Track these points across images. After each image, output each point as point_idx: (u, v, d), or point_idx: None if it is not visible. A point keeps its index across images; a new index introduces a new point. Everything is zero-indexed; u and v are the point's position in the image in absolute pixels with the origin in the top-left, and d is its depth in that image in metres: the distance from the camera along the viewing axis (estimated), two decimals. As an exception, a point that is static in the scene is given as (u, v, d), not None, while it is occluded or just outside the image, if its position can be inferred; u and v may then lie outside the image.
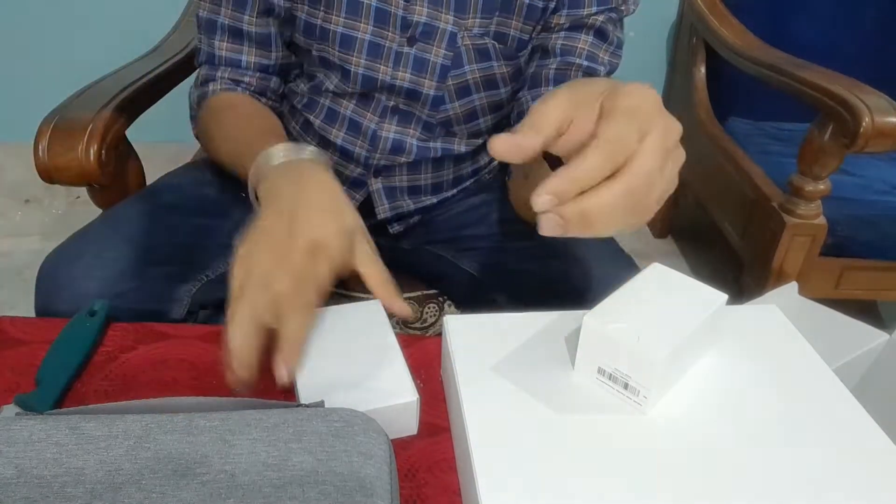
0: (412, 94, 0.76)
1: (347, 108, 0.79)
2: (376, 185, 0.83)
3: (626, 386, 0.48)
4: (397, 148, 0.80)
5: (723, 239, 1.55)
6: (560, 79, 0.76)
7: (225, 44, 0.76)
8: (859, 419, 0.49)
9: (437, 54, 0.74)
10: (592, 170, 0.37)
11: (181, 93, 0.89)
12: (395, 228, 0.87)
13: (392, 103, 0.78)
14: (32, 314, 0.67)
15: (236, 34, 0.76)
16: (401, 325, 0.90)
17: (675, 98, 1.84)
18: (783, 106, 1.55)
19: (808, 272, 1.32)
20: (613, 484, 0.43)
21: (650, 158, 0.38)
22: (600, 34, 0.76)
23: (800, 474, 0.44)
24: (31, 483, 0.40)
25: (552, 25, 0.75)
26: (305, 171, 0.56)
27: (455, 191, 0.90)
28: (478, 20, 0.72)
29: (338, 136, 0.80)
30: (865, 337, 1.01)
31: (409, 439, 0.52)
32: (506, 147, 0.40)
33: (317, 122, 0.81)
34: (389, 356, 0.53)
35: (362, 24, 0.72)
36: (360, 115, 0.79)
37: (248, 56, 0.77)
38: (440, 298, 0.90)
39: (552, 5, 0.74)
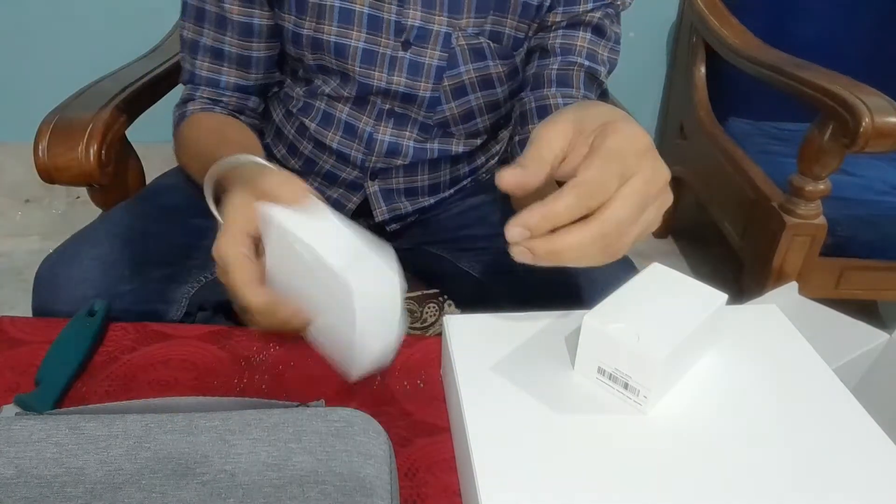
0: (408, 98, 0.76)
1: (343, 111, 0.79)
2: (373, 187, 0.83)
3: (626, 386, 0.48)
4: (393, 150, 0.80)
5: (723, 239, 1.55)
6: (562, 79, 0.76)
7: (206, 63, 0.77)
8: (859, 419, 0.49)
9: (432, 56, 0.74)
10: (565, 210, 0.39)
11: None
12: (393, 227, 0.87)
13: (388, 106, 0.78)
14: (31, 315, 0.67)
15: (217, 54, 0.76)
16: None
17: (675, 98, 1.85)
18: (783, 106, 1.55)
19: (808, 272, 1.32)
20: (613, 484, 0.43)
21: (625, 206, 0.39)
22: (598, 31, 0.76)
23: (800, 474, 0.44)
24: (31, 483, 0.40)
25: (549, 24, 0.75)
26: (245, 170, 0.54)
27: (452, 191, 0.89)
28: (472, 20, 0.72)
29: (333, 139, 0.80)
30: (865, 337, 1.01)
31: (409, 439, 0.52)
32: (515, 182, 0.41)
33: (312, 126, 0.81)
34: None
35: (355, 32, 0.72)
36: (356, 119, 0.79)
37: (228, 76, 0.77)
38: (440, 298, 0.90)
39: (547, 3, 0.74)
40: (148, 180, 0.93)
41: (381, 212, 0.85)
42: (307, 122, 0.81)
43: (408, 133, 0.80)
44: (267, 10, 0.74)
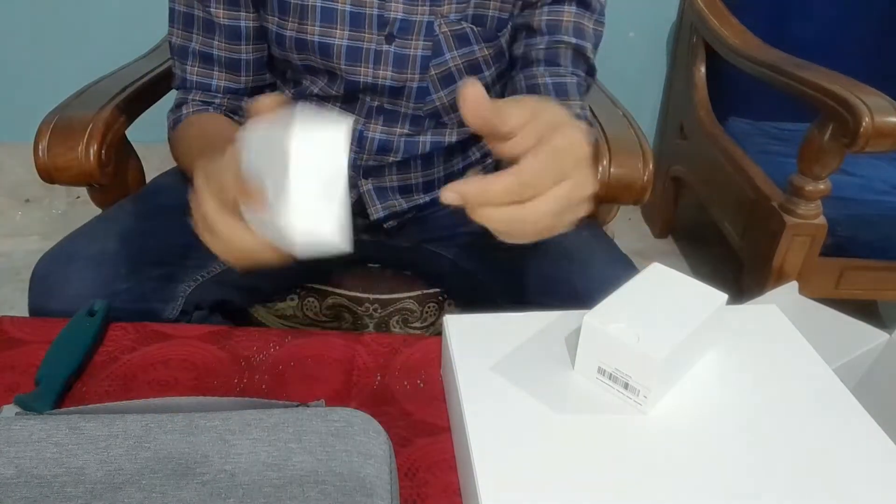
0: (396, 91, 0.76)
1: (333, 111, 0.79)
2: (367, 185, 0.83)
3: (626, 386, 0.48)
4: (384, 147, 0.80)
5: (723, 239, 1.55)
6: (550, 58, 0.76)
7: (196, 68, 0.77)
8: (859, 419, 0.49)
9: (416, 47, 0.74)
10: (501, 191, 0.42)
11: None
12: (390, 224, 0.87)
13: (376, 103, 0.78)
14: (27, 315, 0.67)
15: (206, 59, 0.76)
16: (401, 325, 0.90)
17: (675, 98, 1.85)
18: (783, 106, 1.55)
19: (808, 272, 1.32)
20: (613, 484, 0.43)
21: (550, 204, 0.43)
22: (583, 3, 0.76)
23: (800, 474, 0.44)
24: (31, 483, 0.40)
25: (534, 1, 0.75)
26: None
27: None
28: (454, 6, 0.72)
29: None
30: (865, 337, 1.01)
31: (408, 439, 0.52)
32: (474, 96, 0.43)
33: None
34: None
35: (338, 30, 0.72)
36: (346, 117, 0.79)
37: (218, 80, 0.78)
38: (440, 298, 0.90)
39: None
40: (148, 180, 0.93)
41: (375, 210, 0.85)
42: None
43: (398, 129, 0.80)
44: (252, 13, 0.74)
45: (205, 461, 0.42)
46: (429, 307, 0.89)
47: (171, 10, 0.76)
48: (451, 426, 0.53)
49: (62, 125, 0.83)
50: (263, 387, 0.57)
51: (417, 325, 0.90)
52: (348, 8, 0.71)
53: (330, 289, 0.88)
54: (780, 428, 0.48)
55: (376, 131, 0.79)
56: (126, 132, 0.91)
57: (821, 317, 1.08)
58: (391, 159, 0.81)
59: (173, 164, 0.82)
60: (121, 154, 0.90)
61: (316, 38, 0.73)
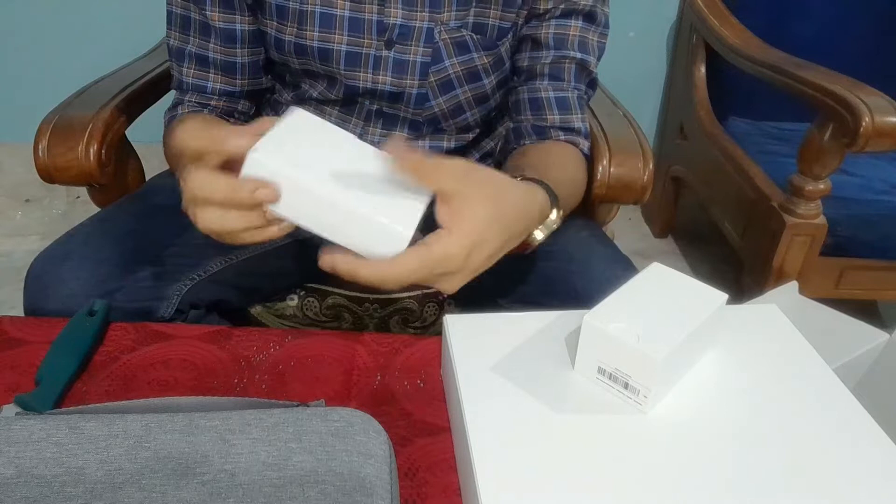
0: (395, 97, 0.76)
1: (332, 114, 0.79)
2: None
3: (626, 386, 0.48)
4: None
5: (723, 239, 1.54)
6: (554, 73, 0.77)
7: (192, 70, 0.77)
8: (859, 419, 0.49)
9: (416, 53, 0.74)
10: (364, 281, 0.49)
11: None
12: None
13: (376, 107, 0.78)
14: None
15: (202, 61, 0.76)
16: (401, 325, 0.90)
17: (675, 98, 1.84)
18: (783, 106, 1.55)
19: (808, 272, 1.31)
20: (613, 483, 0.43)
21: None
22: (590, 17, 0.76)
23: (800, 474, 0.44)
24: (31, 483, 0.40)
25: (541, 12, 0.75)
26: None
27: None
28: (453, 13, 0.72)
29: None
30: (865, 337, 1.01)
31: (408, 439, 0.52)
32: (398, 148, 0.48)
33: None
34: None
35: (337, 35, 0.72)
36: (345, 121, 0.79)
37: (214, 83, 0.78)
38: (440, 298, 0.90)
39: None
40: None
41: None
42: None
43: (397, 133, 0.80)
44: (248, 16, 0.74)
45: (205, 461, 0.42)
46: (429, 307, 0.89)
47: (169, 13, 0.76)
48: (451, 426, 0.53)
49: (62, 125, 0.83)
50: (263, 387, 0.57)
51: (417, 325, 0.90)
52: (347, 13, 0.71)
53: (330, 289, 0.88)
54: (780, 428, 0.48)
55: (375, 135, 0.79)
56: (126, 132, 0.91)
57: (821, 317, 1.08)
58: None
59: (172, 164, 0.83)
60: (121, 154, 0.90)
61: (315, 44, 0.72)
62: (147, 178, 0.95)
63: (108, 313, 0.62)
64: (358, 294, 0.88)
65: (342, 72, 0.74)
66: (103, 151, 0.83)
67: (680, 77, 1.78)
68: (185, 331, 0.62)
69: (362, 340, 0.62)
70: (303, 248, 0.82)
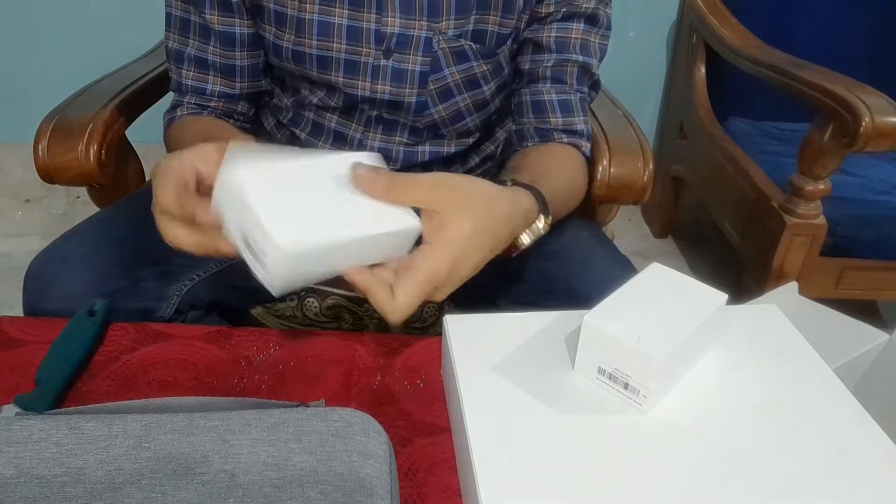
0: (394, 105, 0.76)
1: (332, 120, 0.79)
2: None
3: (626, 386, 0.48)
4: (383, 156, 0.80)
5: (723, 239, 1.54)
6: (557, 76, 0.77)
7: (191, 73, 0.77)
8: (859, 419, 0.49)
9: (415, 62, 0.73)
10: (404, 312, 0.50)
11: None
12: None
13: (375, 113, 0.77)
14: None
15: (201, 64, 0.76)
16: (401, 325, 0.90)
17: (675, 98, 1.84)
18: (783, 106, 1.55)
19: (808, 272, 1.31)
20: (613, 484, 0.43)
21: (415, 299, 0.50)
22: (592, 20, 0.76)
23: (800, 474, 0.44)
24: (31, 483, 0.40)
25: (543, 16, 0.75)
26: None
27: None
28: (452, 22, 0.72)
29: (324, 148, 0.80)
30: (865, 337, 1.01)
31: (408, 439, 0.52)
32: (364, 182, 0.49)
33: (302, 136, 0.81)
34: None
35: (335, 44, 0.72)
36: (345, 127, 0.79)
37: (213, 85, 0.77)
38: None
39: None
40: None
41: None
42: (297, 131, 0.81)
43: (397, 138, 0.79)
44: (247, 20, 0.74)
45: (205, 461, 0.42)
46: (429, 307, 0.89)
47: (168, 15, 0.76)
48: (451, 426, 0.53)
49: (62, 125, 0.83)
50: (263, 387, 0.57)
51: (417, 325, 0.90)
52: (345, 22, 0.71)
53: (330, 289, 0.88)
54: (780, 428, 0.48)
55: (375, 140, 0.79)
56: (126, 132, 0.91)
57: (821, 317, 1.08)
58: (390, 168, 0.81)
59: (173, 164, 0.82)
60: (121, 154, 0.90)
61: (314, 52, 0.72)
62: (147, 178, 0.95)
63: (108, 313, 0.62)
64: (358, 294, 0.88)
65: (341, 80, 0.74)
66: (103, 152, 0.83)
67: (680, 77, 1.78)
68: (185, 331, 0.62)
69: (362, 340, 0.62)
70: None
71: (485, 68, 0.76)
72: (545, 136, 0.78)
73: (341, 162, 0.50)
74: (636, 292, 0.52)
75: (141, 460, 0.41)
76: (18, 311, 0.66)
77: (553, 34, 0.75)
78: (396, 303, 0.49)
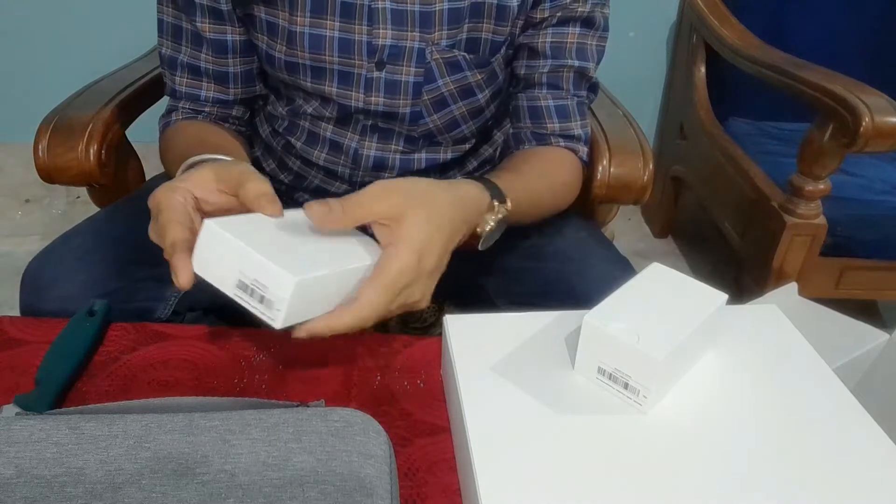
0: (388, 116, 0.75)
1: (327, 129, 0.79)
2: None
3: (626, 386, 0.48)
4: (380, 164, 0.79)
5: (723, 239, 1.54)
6: (553, 82, 0.77)
7: (185, 79, 0.77)
8: (859, 419, 0.49)
9: (408, 73, 0.73)
10: (344, 328, 0.50)
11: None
12: None
13: (370, 122, 0.77)
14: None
15: (194, 71, 0.76)
16: (401, 326, 0.90)
17: (675, 98, 1.84)
18: (783, 106, 1.55)
19: (808, 272, 1.31)
20: (613, 484, 0.43)
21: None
22: (588, 23, 0.75)
23: (800, 474, 0.44)
24: (31, 483, 0.40)
25: (538, 21, 0.74)
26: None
27: None
28: (444, 32, 0.71)
29: (319, 157, 0.80)
30: (865, 337, 1.01)
31: (408, 439, 0.52)
32: (319, 217, 0.51)
33: (298, 145, 0.81)
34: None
35: (328, 56, 0.71)
36: (341, 136, 0.79)
37: (207, 91, 0.78)
38: (440, 298, 0.90)
39: (530, 0, 0.73)
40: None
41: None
42: (293, 140, 0.81)
43: (393, 146, 0.79)
44: (239, 27, 0.74)
45: (205, 461, 0.42)
46: (428, 308, 0.89)
47: (160, 21, 0.76)
48: (451, 426, 0.53)
49: (62, 125, 0.83)
50: (263, 387, 0.57)
51: (417, 325, 0.90)
52: (336, 34, 0.70)
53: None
54: (780, 428, 0.48)
55: (371, 149, 0.79)
56: (126, 132, 0.91)
57: (821, 317, 1.08)
58: (387, 175, 0.81)
59: (172, 165, 0.82)
60: (121, 154, 0.90)
61: (308, 62, 0.72)
62: (147, 178, 0.95)
63: (108, 313, 0.62)
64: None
65: (335, 91, 0.74)
66: (103, 151, 0.83)
67: (680, 77, 1.78)
68: (186, 331, 0.62)
69: (362, 340, 0.62)
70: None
71: (479, 77, 0.75)
72: (542, 140, 0.78)
73: (300, 212, 0.54)
74: (636, 292, 0.52)
75: (141, 460, 0.41)
76: (18, 312, 0.66)
77: (548, 39, 0.75)
78: (359, 304, 0.50)
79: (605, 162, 0.84)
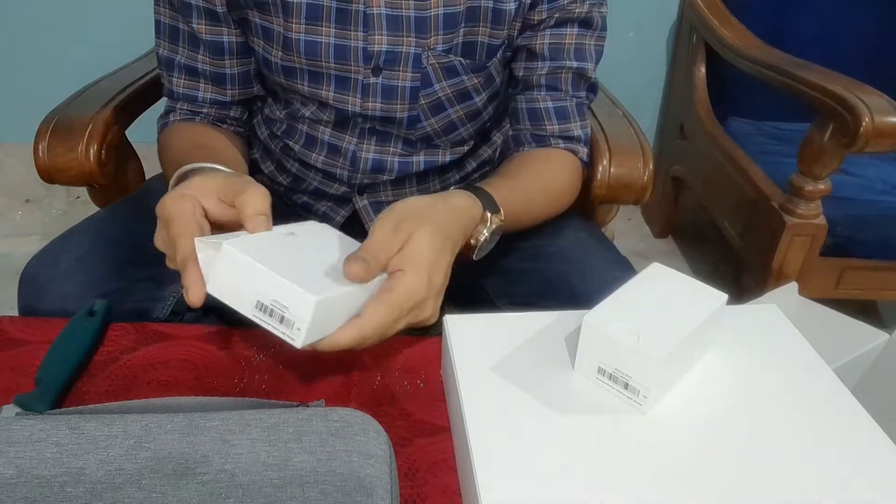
0: (386, 120, 0.75)
1: (325, 133, 0.79)
2: (362, 202, 0.83)
3: (626, 386, 0.48)
4: (378, 167, 0.79)
5: (723, 239, 1.55)
6: (552, 83, 0.77)
7: (182, 80, 0.77)
8: (859, 419, 0.49)
9: (404, 78, 0.73)
10: (347, 344, 0.50)
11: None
12: None
13: (368, 126, 0.77)
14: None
15: (192, 72, 0.76)
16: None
17: (675, 98, 1.85)
18: (783, 106, 1.55)
19: (808, 272, 1.31)
20: (613, 483, 0.43)
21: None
22: (585, 23, 0.75)
23: (800, 474, 0.44)
24: (31, 483, 0.40)
25: (535, 23, 0.74)
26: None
27: None
28: (440, 37, 0.71)
29: (318, 159, 0.80)
30: (865, 337, 1.01)
31: (408, 439, 0.52)
32: (360, 276, 0.50)
33: (296, 148, 0.81)
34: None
35: (324, 63, 0.71)
36: (339, 139, 0.79)
37: (204, 92, 0.78)
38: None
39: (527, 2, 0.73)
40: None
41: (371, 224, 0.84)
42: (291, 143, 0.81)
43: (391, 149, 0.79)
44: (236, 29, 0.74)
45: (205, 461, 0.42)
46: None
47: (158, 22, 0.76)
48: (451, 426, 0.53)
49: (62, 125, 0.83)
50: (263, 387, 0.57)
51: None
52: (332, 41, 0.70)
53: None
54: (780, 428, 0.48)
55: (370, 152, 0.79)
56: (126, 132, 0.91)
57: (821, 317, 1.08)
58: (385, 178, 0.81)
59: (171, 165, 0.82)
60: (121, 154, 0.90)
61: (304, 67, 0.72)
62: (147, 178, 0.95)
63: (108, 313, 0.62)
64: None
65: (331, 96, 0.74)
66: (103, 152, 0.83)
67: (680, 77, 1.78)
68: (186, 331, 0.62)
69: (362, 340, 0.62)
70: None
71: (476, 81, 0.75)
72: (542, 141, 0.78)
73: (306, 228, 0.56)
74: (636, 292, 0.52)
75: (141, 460, 0.41)
76: (17, 312, 0.66)
77: (546, 41, 0.75)
78: (361, 322, 0.51)
79: (605, 162, 0.84)
